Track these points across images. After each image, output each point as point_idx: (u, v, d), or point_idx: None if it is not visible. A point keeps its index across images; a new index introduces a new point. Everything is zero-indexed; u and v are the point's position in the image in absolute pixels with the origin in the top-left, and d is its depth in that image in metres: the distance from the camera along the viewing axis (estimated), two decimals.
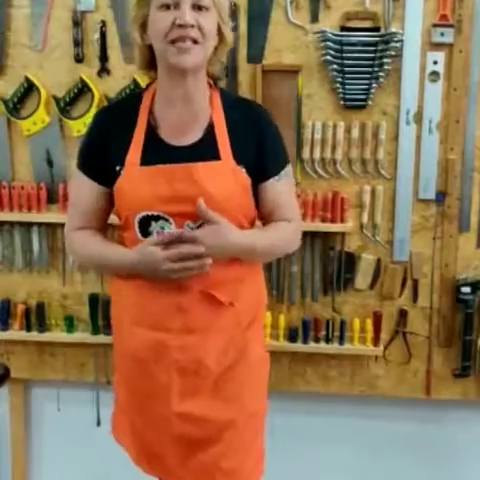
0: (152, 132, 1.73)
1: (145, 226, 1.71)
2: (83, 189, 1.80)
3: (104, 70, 2.31)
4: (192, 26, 1.61)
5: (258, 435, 1.89)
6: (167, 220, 1.69)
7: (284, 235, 1.83)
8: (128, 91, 2.29)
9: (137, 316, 1.78)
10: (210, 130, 1.72)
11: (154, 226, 1.70)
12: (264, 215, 1.82)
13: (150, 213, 1.69)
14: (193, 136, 1.72)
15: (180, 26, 1.60)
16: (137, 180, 1.70)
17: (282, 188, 1.79)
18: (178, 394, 1.77)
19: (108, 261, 1.78)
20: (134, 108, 1.75)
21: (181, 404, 1.77)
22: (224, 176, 1.69)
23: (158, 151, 1.71)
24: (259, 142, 1.74)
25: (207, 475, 1.82)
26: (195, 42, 1.63)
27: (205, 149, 1.70)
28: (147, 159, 1.70)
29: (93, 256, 1.81)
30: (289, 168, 1.83)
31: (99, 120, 1.81)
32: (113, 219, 1.85)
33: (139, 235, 1.72)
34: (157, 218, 1.69)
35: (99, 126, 1.79)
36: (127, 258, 1.72)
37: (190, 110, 1.71)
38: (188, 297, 1.72)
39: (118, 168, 1.72)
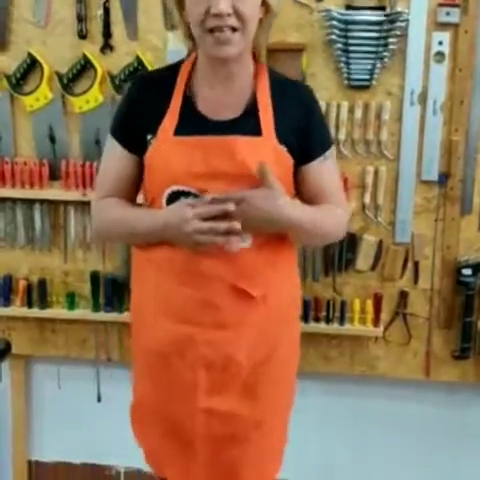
0: (189, 104, 1.63)
1: (173, 201, 1.61)
2: (114, 157, 1.71)
3: (107, 46, 2.30)
4: (229, 15, 1.49)
5: (284, 434, 1.84)
6: (198, 196, 1.59)
7: (334, 219, 1.72)
8: (131, 68, 2.28)
9: (162, 306, 1.68)
10: (253, 106, 1.63)
11: None
12: (307, 199, 1.72)
13: (181, 188, 1.60)
14: (234, 111, 1.63)
15: (216, 15, 1.48)
16: (169, 151, 1.60)
17: (327, 170, 1.71)
18: (205, 391, 1.68)
19: (136, 223, 1.65)
20: (172, 78, 1.66)
21: (208, 401, 1.68)
22: (265, 154, 1.59)
23: (194, 122, 1.61)
24: (305, 122, 1.66)
25: (235, 473, 1.74)
26: (234, 30, 1.52)
27: (246, 124, 1.61)
28: (181, 130, 1.60)
29: (121, 220, 1.68)
30: (333, 150, 1.75)
31: (136, 87, 1.72)
32: (139, 200, 1.79)
33: None
34: (187, 194, 1.60)
35: (135, 93, 1.70)
36: (156, 217, 1.62)
37: (230, 89, 1.63)
38: (217, 291, 1.62)
39: (149, 137, 1.63)
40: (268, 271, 1.67)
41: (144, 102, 1.67)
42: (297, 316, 1.86)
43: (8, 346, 1.66)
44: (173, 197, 1.61)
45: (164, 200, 1.62)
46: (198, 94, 1.65)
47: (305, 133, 1.66)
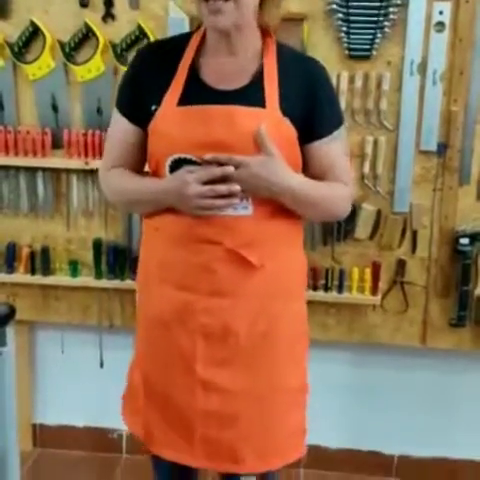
0: (194, 75, 1.63)
1: (176, 169, 1.62)
2: (119, 130, 1.73)
3: (109, 15, 2.31)
4: None
5: (292, 413, 1.77)
6: (199, 165, 1.60)
7: (337, 193, 1.71)
8: (133, 37, 2.29)
9: (164, 273, 1.70)
10: (258, 78, 1.61)
11: None
12: (314, 176, 1.69)
13: (183, 156, 1.61)
14: (239, 82, 1.62)
15: None
16: (172, 120, 1.61)
17: (334, 150, 1.68)
18: (203, 361, 1.68)
19: (141, 190, 1.69)
20: (180, 49, 1.66)
21: (206, 371, 1.68)
22: (267, 125, 1.57)
23: (198, 93, 1.61)
24: (312, 97, 1.63)
25: (234, 455, 1.72)
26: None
27: (250, 95, 1.60)
28: (185, 100, 1.61)
29: (127, 189, 1.72)
30: (343, 130, 1.72)
31: (141, 57, 1.73)
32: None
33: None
34: (189, 162, 1.60)
35: (140, 63, 1.71)
36: (159, 183, 1.65)
37: (234, 61, 1.63)
38: (216, 256, 1.63)
39: (154, 108, 1.63)
40: (269, 241, 1.66)
41: (149, 73, 1.67)
42: (302, 293, 1.81)
43: (12, 311, 1.69)
44: (176, 165, 1.62)
45: (167, 168, 1.64)
46: (204, 65, 1.65)
47: (312, 109, 1.63)
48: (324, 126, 1.66)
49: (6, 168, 2.45)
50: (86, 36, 2.33)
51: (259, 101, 1.59)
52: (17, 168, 2.44)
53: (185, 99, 1.61)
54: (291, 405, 1.77)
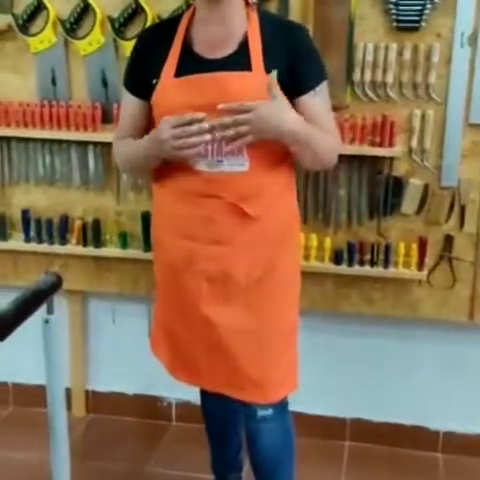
0: (188, 48, 1.81)
1: None
2: (127, 104, 1.94)
3: None
4: None
5: (287, 349, 1.94)
6: None
7: (329, 142, 1.84)
8: (180, 12, 2.29)
9: (172, 226, 1.88)
10: (244, 44, 1.78)
11: None
12: None
13: None
14: (227, 50, 1.79)
15: None
16: (170, 90, 1.79)
17: (318, 103, 1.83)
18: (206, 300, 1.86)
19: (138, 148, 1.86)
20: (173, 27, 1.84)
21: (209, 309, 1.86)
22: (254, 86, 1.73)
23: (192, 64, 1.79)
24: (293, 57, 1.78)
25: (236, 383, 1.90)
26: None
27: (237, 61, 1.76)
28: (181, 71, 1.78)
29: (130, 151, 1.91)
30: (325, 85, 1.85)
31: (141, 39, 1.94)
32: None
33: None
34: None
35: (140, 45, 1.91)
36: (147, 137, 1.82)
37: (224, 29, 1.78)
38: (215, 208, 1.80)
39: (154, 81, 1.81)
40: (264, 195, 1.82)
41: (148, 51, 1.86)
42: (295, 244, 1.98)
43: (59, 280, 1.75)
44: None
45: None
46: (196, 37, 1.81)
47: (294, 68, 1.78)
48: (307, 82, 1.81)
49: (59, 142, 2.52)
50: (135, 12, 2.36)
51: (246, 65, 1.76)
52: (69, 142, 2.51)
53: (181, 70, 1.79)
54: (285, 344, 1.93)
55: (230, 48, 1.79)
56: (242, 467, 2.34)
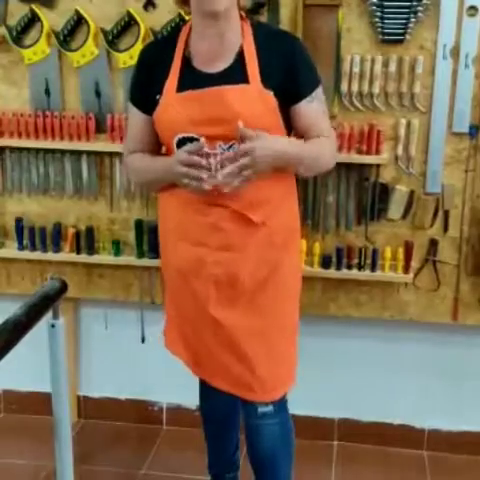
0: (187, 63, 1.89)
1: (182, 147, 1.85)
2: (134, 119, 2.01)
3: (150, 4, 2.39)
4: None
5: (291, 347, 2.03)
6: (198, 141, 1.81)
7: (325, 147, 1.94)
8: (173, 25, 2.36)
9: (180, 233, 1.96)
10: (240, 57, 1.85)
11: None
12: (300, 135, 1.93)
13: (186, 135, 1.85)
14: (224, 64, 1.86)
15: None
16: (173, 105, 1.86)
17: (315, 108, 1.91)
18: (214, 304, 1.94)
19: (154, 169, 1.95)
20: (173, 42, 1.91)
21: (217, 311, 1.93)
22: (252, 98, 1.82)
23: (191, 79, 1.86)
24: (288, 66, 1.86)
25: (244, 382, 1.97)
26: None
27: (234, 74, 1.84)
28: (182, 86, 1.86)
29: (144, 169, 2.00)
30: (320, 90, 1.94)
31: (143, 56, 2.01)
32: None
33: None
34: (192, 139, 1.83)
35: (143, 61, 1.98)
36: (164, 162, 1.91)
37: (221, 44, 1.85)
38: (223, 216, 1.88)
39: (158, 97, 1.89)
40: (268, 203, 1.91)
41: (151, 67, 1.93)
42: (297, 246, 2.07)
43: (64, 285, 1.80)
44: (181, 143, 1.86)
45: (174, 145, 1.89)
46: (194, 51, 1.88)
47: (290, 76, 1.86)
48: (303, 89, 1.90)
49: (52, 151, 2.56)
50: (128, 24, 2.41)
51: (243, 78, 1.84)
52: (62, 152, 2.55)
53: (182, 86, 1.87)
54: (289, 341, 2.03)
55: (227, 62, 1.86)
56: (239, 467, 2.39)
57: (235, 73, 1.84)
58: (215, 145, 1.81)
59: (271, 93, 1.84)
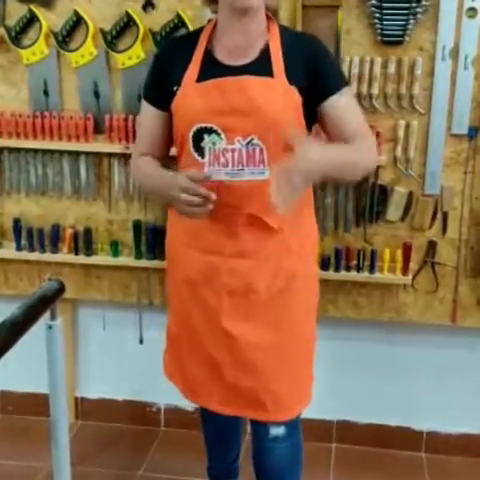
0: (209, 55, 1.84)
1: (198, 140, 1.80)
2: (146, 117, 1.94)
3: (149, 4, 2.39)
4: None
5: (307, 362, 1.96)
6: (219, 134, 1.78)
7: (365, 151, 1.82)
8: (172, 25, 2.36)
9: (191, 240, 1.88)
10: (265, 53, 1.81)
11: (206, 140, 1.79)
12: (334, 136, 1.84)
13: (204, 125, 1.78)
14: (248, 58, 1.82)
15: None
16: (192, 95, 1.80)
17: (345, 104, 1.84)
18: (227, 315, 1.85)
19: (158, 181, 1.86)
20: (194, 39, 1.87)
21: (230, 324, 1.84)
22: (276, 93, 1.77)
23: (213, 69, 1.81)
24: (313, 65, 1.81)
25: (256, 400, 1.88)
26: None
27: (259, 68, 1.79)
28: (203, 77, 1.81)
29: (148, 178, 1.93)
30: (350, 91, 1.90)
31: (161, 51, 2.00)
32: (173, 151, 1.97)
33: (192, 150, 1.82)
34: (210, 131, 1.78)
35: (161, 56, 1.95)
36: (169, 179, 1.80)
37: (247, 40, 1.81)
38: (238, 221, 1.81)
39: (175, 88, 1.83)
40: None
41: (170, 59, 1.88)
42: (314, 255, 1.99)
43: (62, 286, 1.79)
44: (198, 133, 1.80)
45: (190, 137, 1.81)
46: (217, 46, 1.84)
47: (315, 74, 1.80)
48: (331, 86, 1.83)
49: (51, 152, 2.55)
50: (127, 25, 2.41)
51: (268, 72, 1.79)
52: (61, 152, 2.55)
53: (202, 76, 1.81)
54: (306, 356, 1.96)
55: (251, 56, 1.81)
56: (238, 474, 2.33)
57: (260, 67, 1.79)
58: (233, 139, 1.77)
59: (295, 89, 1.78)
